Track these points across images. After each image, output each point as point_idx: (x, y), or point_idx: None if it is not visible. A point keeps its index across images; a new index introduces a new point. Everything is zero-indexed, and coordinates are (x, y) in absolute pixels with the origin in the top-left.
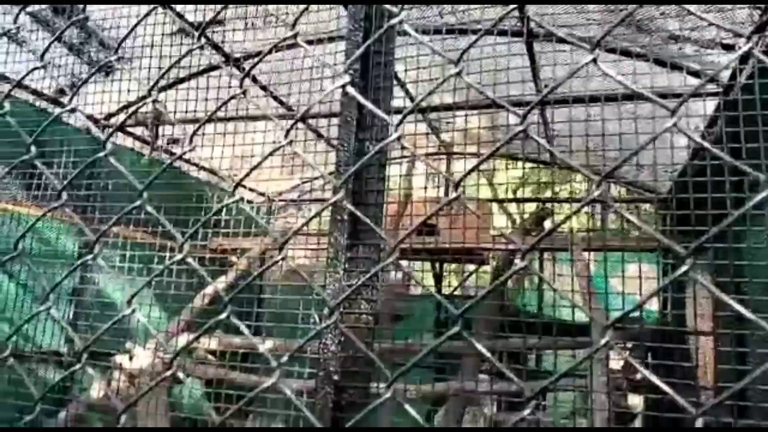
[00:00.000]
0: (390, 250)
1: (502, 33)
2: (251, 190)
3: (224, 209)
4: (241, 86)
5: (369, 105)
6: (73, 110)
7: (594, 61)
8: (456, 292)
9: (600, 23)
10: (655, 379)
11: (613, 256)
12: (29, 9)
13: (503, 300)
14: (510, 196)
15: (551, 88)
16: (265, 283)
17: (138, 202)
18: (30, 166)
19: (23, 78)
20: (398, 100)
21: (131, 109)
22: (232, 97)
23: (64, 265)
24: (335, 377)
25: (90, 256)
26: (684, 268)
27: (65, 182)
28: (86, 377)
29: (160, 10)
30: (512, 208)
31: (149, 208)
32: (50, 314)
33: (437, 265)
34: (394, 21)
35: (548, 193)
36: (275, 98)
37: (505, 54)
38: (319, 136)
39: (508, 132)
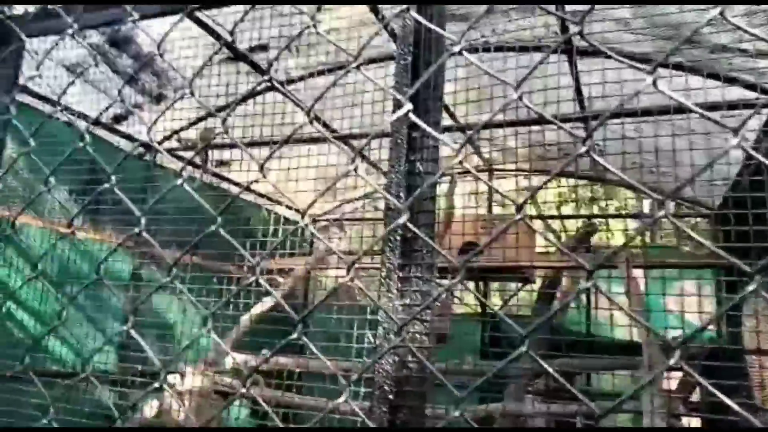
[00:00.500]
0: (460, 266)
1: (547, 50)
2: (297, 210)
3: (267, 229)
4: (308, 114)
5: (429, 129)
6: (146, 146)
7: (654, 83)
8: (501, 311)
9: (650, 37)
10: (727, 401)
11: (665, 273)
12: (89, 41)
13: (550, 319)
14: (554, 212)
15: (606, 116)
16: (312, 303)
17: (212, 227)
18: (83, 192)
19: (100, 115)
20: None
21: (185, 131)
22: (302, 125)
23: (119, 286)
24: (390, 397)
25: (167, 279)
26: (752, 287)
27: (144, 208)
28: (133, 396)
29: (210, 40)
30: (556, 224)
31: (223, 233)
32: (131, 334)
33: (481, 283)
34: (455, 49)
35: (593, 209)
36: (317, 119)
37: (554, 74)
38: (363, 157)
39: (548, 149)
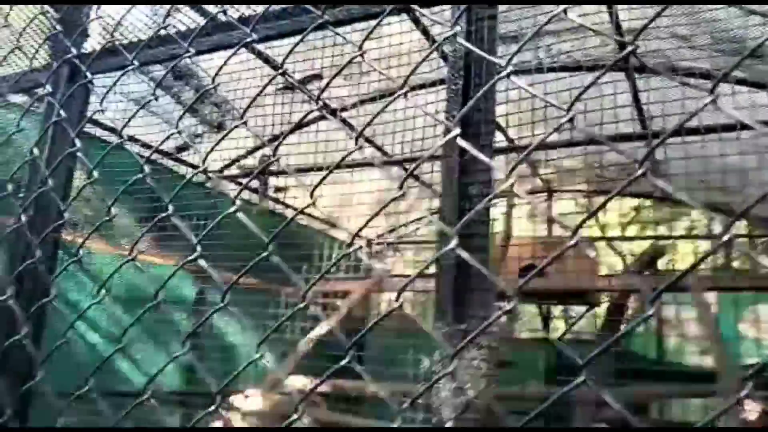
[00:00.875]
0: (514, 292)
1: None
2: (350, 234)
3: (323, 253)
4: (356, 143)
5: (478, 154)
6: (205, 171)
7: (714, 101)
8: (565, 336)
9: (711, 53)
10: None
11: (739, 297)
12: (152, 75)
13: (618, 345)
14: (618, 233)
15: (666, 136)
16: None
17: (264, 254)
18: (152, 219)
19: (159, 145)
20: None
21: (245, 159)
22: (353, 150)
23: (183, 309)
24: (447, 424)
25: (223, 304)
26: None
27: (199, 235)
28: (207, 417)
29: (267, 71)
30: (621, 246)
31: (277, 259)
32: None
33: (544, 307)
34: (503, 74)
35: (660, 230)
36: (373, 144)
37: (611, 93)
38: (417, 179)
39: (605, 168)
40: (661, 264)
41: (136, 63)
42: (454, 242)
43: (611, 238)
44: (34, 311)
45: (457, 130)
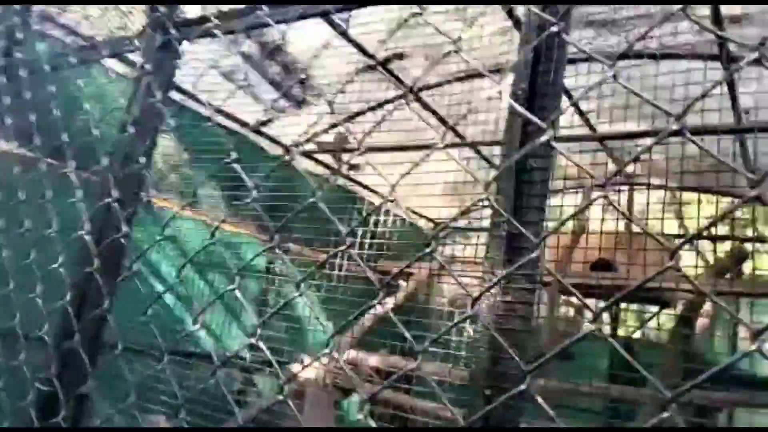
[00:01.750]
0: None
1: (697, 57)
2: (422, 216)
3: (391, 233)
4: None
5: (527, 114)
6: (269, 138)
7: None
8: (635, 335)
9: None
10: None
11: None
12: (243, 50)
13: (689, 347)
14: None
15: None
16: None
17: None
18: (230, 188)
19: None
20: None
21: (319, 136)
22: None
23: (254, 276)
24: (487, 393)
25: (298, 294)
26: None
27: (274, 207)
28: (263, 383)
29: (349, 49)
30: (704, 246)
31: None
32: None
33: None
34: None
35: (749, 232)
36: (446, 124)
37: (700, 82)
38: (489, 163)
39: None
40: (747, 268)
41: (219, 34)
42: (491, 189)
43: (693, 237)
44: (109, 261)
45: (509, 79)
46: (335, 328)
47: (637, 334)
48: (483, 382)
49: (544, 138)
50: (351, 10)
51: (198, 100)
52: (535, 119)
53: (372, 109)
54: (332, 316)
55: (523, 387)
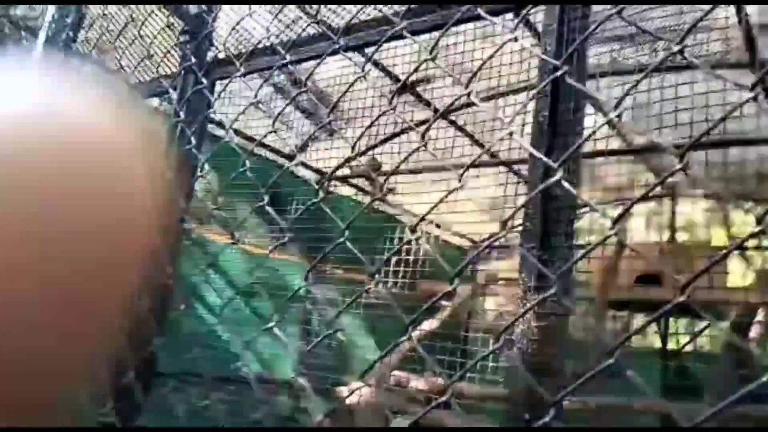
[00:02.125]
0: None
1: (725, 66)
2: (462, 236)
3: (428, 253)
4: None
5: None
6: (304, 164)
7: None
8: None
9: None
10: None
11: None
12: (274, 81)
13: (744, 357)
14: (751, 243)
15: None
16: (472, 328)
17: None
18: (266, 213)
19: (263, 138)
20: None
21: (354, 162)
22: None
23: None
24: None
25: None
26: None
27: (312, 232)
28: (316, 407)
29: (375, 73)
30: (755, 257)
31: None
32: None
33: (662, 319)
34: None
35: None
36: (479, 145)
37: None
38: (518, 175)
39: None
40: None
41: (242, 69)
42: (530, 245)
43: (739, 247)
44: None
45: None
46: (380, 349)
47: (689, 347)
48: (520, 408)
49: (554, 178)
50: (379, 47)
51: (238, 132)
52: (546, 159)
53: (403, 132)
54: (376, 337)
55: (546, 419)
